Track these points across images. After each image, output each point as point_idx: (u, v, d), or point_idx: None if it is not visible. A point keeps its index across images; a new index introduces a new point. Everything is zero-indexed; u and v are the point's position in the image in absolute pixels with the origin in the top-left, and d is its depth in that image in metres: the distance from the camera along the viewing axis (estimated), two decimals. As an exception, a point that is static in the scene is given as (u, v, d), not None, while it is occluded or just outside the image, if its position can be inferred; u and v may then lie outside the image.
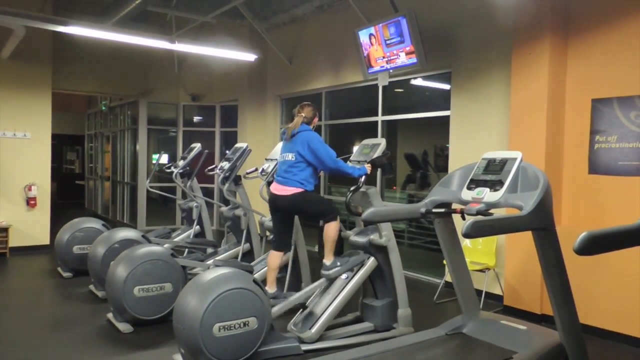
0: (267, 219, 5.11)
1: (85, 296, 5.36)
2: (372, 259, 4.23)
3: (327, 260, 4.21)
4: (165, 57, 9.70)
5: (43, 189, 7.76)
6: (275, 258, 4.49)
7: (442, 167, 7.32)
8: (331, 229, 4.21)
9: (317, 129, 4.55)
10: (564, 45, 4.78)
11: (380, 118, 7.00)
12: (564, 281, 2.80)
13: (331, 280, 4.19)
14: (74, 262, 6.05)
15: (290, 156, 4.24)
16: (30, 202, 7.60)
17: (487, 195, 2.82)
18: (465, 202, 2.92)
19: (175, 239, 6.58)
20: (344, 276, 4.16)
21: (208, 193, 9.67)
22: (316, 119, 4.41)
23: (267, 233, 5.22)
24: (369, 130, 7.15)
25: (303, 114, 4.31)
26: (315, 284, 4.23)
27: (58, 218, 8.04)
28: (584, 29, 4.68)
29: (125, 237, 5.36)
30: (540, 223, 2.64)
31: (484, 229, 2.41)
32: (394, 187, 7.91)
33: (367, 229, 4.41)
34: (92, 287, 5.48)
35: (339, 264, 4.14)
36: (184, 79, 10.34)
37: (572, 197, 4.76)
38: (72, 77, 9.04)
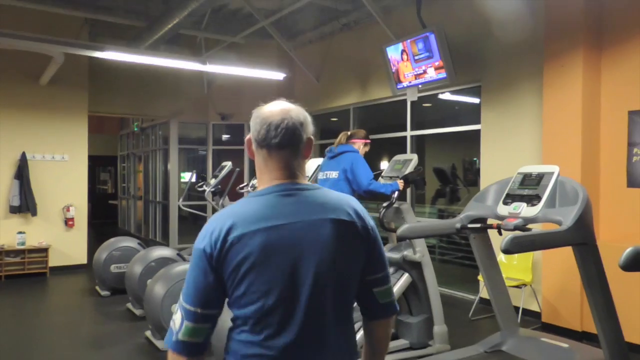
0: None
1: (123, 314, 5.47)
2: (406, 275, 4.21)
3: None
4: (195, 77, 9.93)
5: (80, 210, 7.99)
6: None
7: (472, 181, 7.26)
8: None
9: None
10: (597, 57, 4.72)
11: (409, 133, 7.00)
12: (607, 297, 2.73)
13: None
14: (111, 281, 6.19)
15: (334, 174, 4.27)
16: (69, 223, 7.83)
17: (524, 210, 2.80)
18: (501, 218, 2.90)
19: (208, 257, 6.67)
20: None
21: (238, 210, 9.76)
22: (363, 142, 4.44)
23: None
24: (397, 146, 7.15)
25: (349, 132, 4.41)
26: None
27: (93, 238, 8.25)
28: (618, 40, 4.63)
29: (160, 256, 5.47)
30: (581, 238, 2.59)
31: (523, 244, 2.39)
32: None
33: (400, 244, 4.39)
34: (129, 305, 5.58)
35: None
36: (213, 98, 10.55)
37: (610, 211, 4.65)
38: (106, 100, 9.31)
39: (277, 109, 1.43)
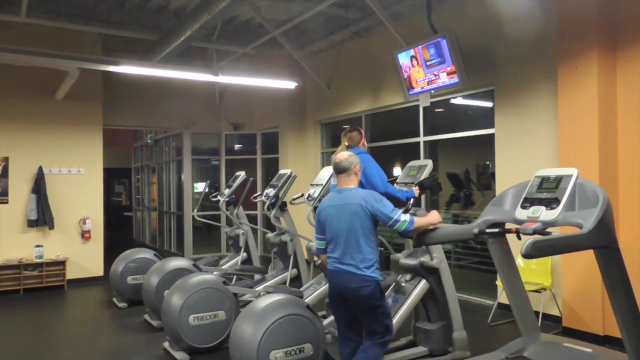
0: (314, 244, 5.13)
1: (141, 326, 5.49)
2: (423, 281, 4.18)
3: None
4: (206, 88, 10.02)
5: (96, 222, 8.06)
6: None
7: (486, 185, 7.19)
8: None
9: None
10: (612, 57, 4.67)
11: (422, 139, 6.98)
12: (631, 301, 2.69)
13: None
14: (128, 293, 6.23)
15: None
16: (85, 235, 7.90)
17: (543, 213, 2.75)
18: (520, 222, 2.86)
19: (224, 267, 6.68)
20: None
21: (252, 219, 9.80)
22: (364, 140, 4.39)
23: (315, 258, 5.24)
24: (410, 152, 7.13)
25: (346, 143, 4.31)
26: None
27: (108, 250, 8.31)
28: (633, 40, 4.58)
29: (177, 267, 5.49)
30: (603, 241, 2.55)
31: (544, 248, 2.36)
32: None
33: (416, 250, 4.36)
34: (147, 316, 5.61)
35: None
36: (225, 109, 10.63)
37: (629, 213, 4.59)
38: (120, 113, 9.43)
39: (338, 156, 3.29)
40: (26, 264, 7.39)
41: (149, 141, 12.80)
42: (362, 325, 3.23)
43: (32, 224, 7.53)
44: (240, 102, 10.38)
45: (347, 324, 3.24)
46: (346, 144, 4.33)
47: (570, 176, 2.79)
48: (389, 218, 3.05)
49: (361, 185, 4.15)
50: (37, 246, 7.49)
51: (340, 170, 3.23)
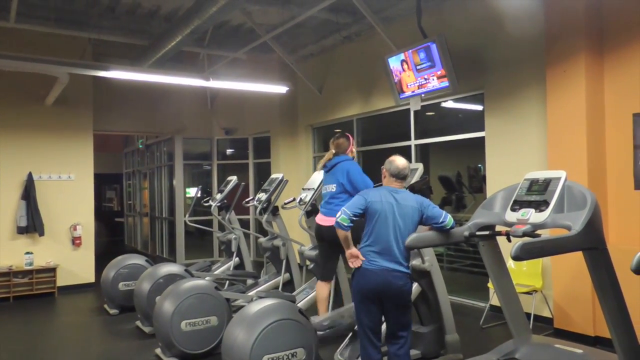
0: (307, 248, 5.13)
1: (133, 332, 5.45)
2: (415, 284, 4.18)
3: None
4: (198, 93, 10.00)
5: (87, 228, 8.01)
6: (323, 288, 4.47)
7: (477, 188, 7.23)
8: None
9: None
10: (599, 61, 4.73)
11: (413, 142, 7.00)
12: (620, 302, 2.71)
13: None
14: (120, 299, 6.18)
15: (331, 187, 4.28)
16: (76, 242, 7.84)
17: (533, 216, 2.78)
18: (510, 224, 2.88)
19: (216, 272, 6.66)
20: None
21: (244, 224, 9.77)
22: (352, 147, 4.42)
23: (307, 262, 5.25)
24: (402, 155, 7.13)
25: (334, 150, 4.35)
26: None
27: (100, 256, 8.24)
28: (620, 43, 4.63)
29: (169, 272, 5.46)
30: (591, 242, 2.58)
31: (533, 250, 2.39)
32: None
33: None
34: (138, 323, 5.57)
35: (325, 323, 4.02)
36: (217, 113, 10.62)
37: (618, 214, 4.63)
38: (111, 118, 9.38)
39: (400, 164, 3.48)
40: (16, 271, 7.32)
41: (140, 146, 12.75)
42: (388, 324, 3.35)
43: (21, 230, 7.46)
44: (231, 106, 10.38)
45: (377, 325, 3.32)
46: (333, 151, 4.35)
47: (558, 179, 2.82)
48: (440, 215, 3.23)
49: (346, 193, 4.20)
50: (27, 253, 7.42)
51: (402, 177, 3.43)
